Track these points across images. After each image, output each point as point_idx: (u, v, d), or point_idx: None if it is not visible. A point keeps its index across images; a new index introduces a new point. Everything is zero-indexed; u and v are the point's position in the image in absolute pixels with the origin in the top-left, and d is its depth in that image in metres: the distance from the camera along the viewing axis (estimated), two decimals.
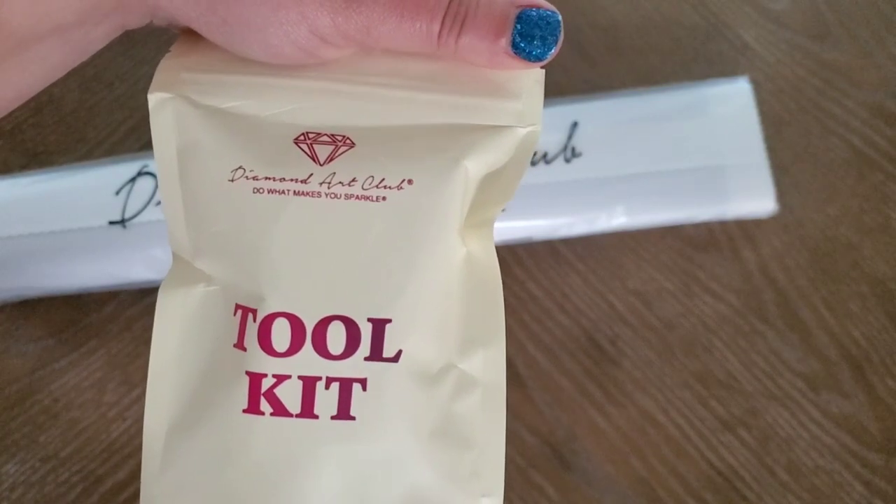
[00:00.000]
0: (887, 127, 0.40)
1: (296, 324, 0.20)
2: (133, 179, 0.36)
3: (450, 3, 0.19)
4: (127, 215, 0.35)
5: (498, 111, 0.20)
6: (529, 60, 0.20)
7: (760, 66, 0.41)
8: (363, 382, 0.20)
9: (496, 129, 0.20)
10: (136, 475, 0.35)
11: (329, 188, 0.20)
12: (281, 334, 0.20)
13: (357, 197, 0.20)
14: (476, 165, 0.20)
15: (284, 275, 0.20)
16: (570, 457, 0.36)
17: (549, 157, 0.35)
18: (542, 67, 0.21)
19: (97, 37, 0.21)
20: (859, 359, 0.37)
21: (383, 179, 0.20)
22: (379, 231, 0.20)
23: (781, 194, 0.37)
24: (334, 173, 0.20)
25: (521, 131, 0.20)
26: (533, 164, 0.35)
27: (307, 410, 0.20)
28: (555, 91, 0.40)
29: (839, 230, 0.38)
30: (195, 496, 0.21)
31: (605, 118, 0.36)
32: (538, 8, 0.20)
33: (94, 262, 0.35)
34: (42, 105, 0.41)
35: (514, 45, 0.19)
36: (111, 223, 0.35)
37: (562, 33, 0.20)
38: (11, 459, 0.35)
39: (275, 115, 0.21)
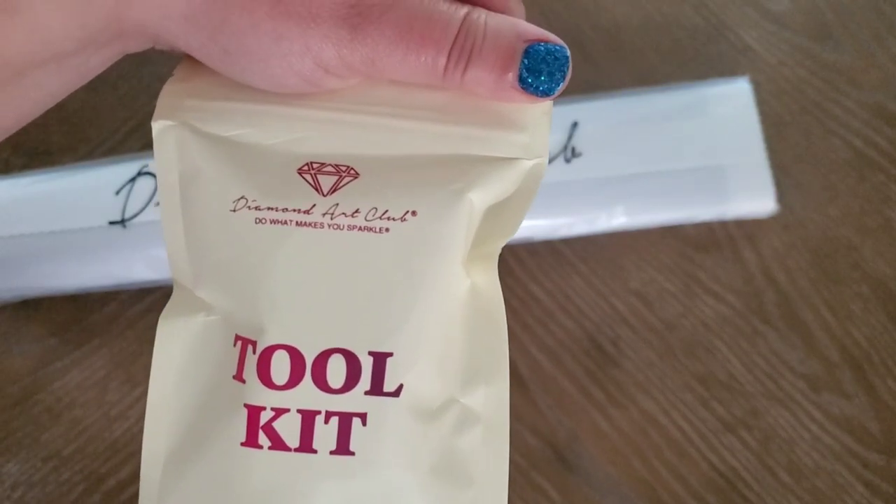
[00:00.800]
0: (888, 128, 0.40)
1: (295, 356, 0.19)
2: (133, 179, 0.36)
3: (456, 36, 0.19)
4: (127, 215, 0.35)
5: (504, 143, 0.20)
6: (537, 95, 0.19)
7: (761, 67, 0.41)
8: (363, 417, 0.20)
9: (502, 160, 0.20)
10: (138, 474, 0.35)
11: (332, 219, 0.20)
12: (280, 367, 0.20)
13: (360, 228, 0.20)
14: (481, 197, 0.20)
15: (285, 306, 0.20)
16: (571, 458, 0.36)
17: (549, 157, 0.35)
18: (547, 100, 0.20)
19: (97, 63, 0.21)
20: (860, 360, 0.37)
21: (387, 211, 0.20)
22: (381, 263, 0.20)
23: (782, 195, 0.37)
24: (337, 204, 0.20)
25: (528, 163, 0.20)
26: None
27: (306, 445, 0.19)
28: None
29: (840, 231, 0.38)
30: None
31: (605, 118, 0.36)
32: (546, 42, 0.19)
33: (95, 262, 0.35)
34: None
35: (522, 80, 0.19)
36: (111, 223, 0.35)
37: (570, 69, 0.20)
38: (13, 458, 0.35)
39: (278, 143, 0.21)
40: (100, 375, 0.37)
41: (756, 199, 0.36)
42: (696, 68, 0.40)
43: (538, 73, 0.19)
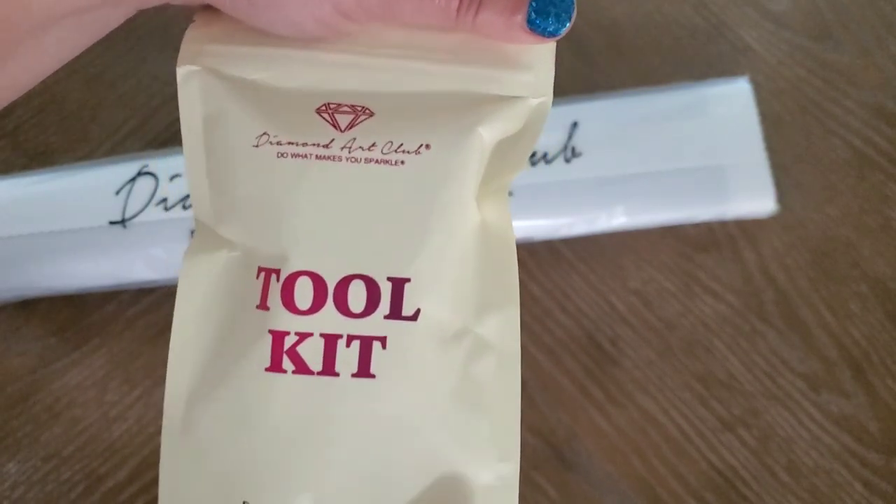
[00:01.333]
0: (888, 127, 0.40)
1: (318, 282, 0.20)
2: (133, 179, 0.36)
3: None
4: (127, 215, 0.35)
5: (511, 82, 0.21)
6: (544, 36, 0.20)
7: (761, 67, 0.41)
8: (383, 341, 0.20)
9: (510, 99, 0.21)
10: (137, 474, 0.35)
11: (350, 153, 0.20)
12: (304, 292, 0.20)
13: (377, 161, 0.20)
14: (490, 133, 0.21)
15: (307, 235, 0.20)
16: (570, 457, 0.36)
17: (549, 156, 0.35)
18: (554, 40, 0.21)
19: (114, 18, 0.21)
20: (859, 359, 0.37)
21: (402, 144, 0.20)
22: (398, 193, 0.20)
23: (782, 194, 0.37)
24: (355, 139, 0.20)
25: (533, 101, 0.21)
26: (533, 163, 0.35)
27: (328, 368, 0.20)
28: (555, 91, 0.40)
29: (839, 230, 0.38)
30: (215, 457, 0.21)
31: (605, 118, 0.36)
32: None
33: (95, 262, 0.35)
34: (45, 104, 0.41)
35: (530, 22, 0.20)
36: (111, 223, 0.35)
37: (575, 9, 0.20)
38: (13, 458, 0.35)
39: (297, 85, 0.21)
40: (99, 375, 0.37)
41: (756, 199, 0.36)
42: (695, 68, 0.41)
43: (546, 14, 0.20)
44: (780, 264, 0.38)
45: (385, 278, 0.20)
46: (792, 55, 0.41)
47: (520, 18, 0.20)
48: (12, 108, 0.41)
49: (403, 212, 0.20)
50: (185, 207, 0.35)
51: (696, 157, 0.35)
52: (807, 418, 0.36)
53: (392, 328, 0.20)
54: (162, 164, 0.36)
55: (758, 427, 0.36)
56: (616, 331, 0.37)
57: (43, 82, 0.40)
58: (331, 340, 0.20)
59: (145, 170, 0.36)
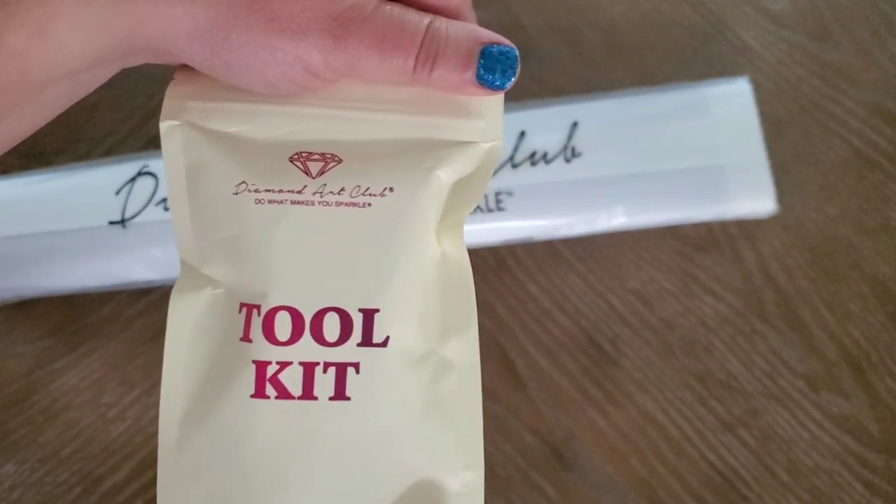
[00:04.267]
0: (887, 127, 0.40)
1: (296, 315, 0.22)
2: (133, 179, 0.36)
3: (422, 42, 0.22)
4: (127, 215, 0.35)
5: (465, 129, 0.24)
6: (492, 89, 0.23)
7: (760, 66, 0.41)
8: (356, 366, 0.22)
9: (464, 144, 0.23)
10: (135, 475, 0.35)
11: (321, 197, 0.23)
12: (283, 325, 0.22)
13: (346, 204, 0.23)
14: (447, 175, 0.23)
15: (285, 273, 0.23)
16: (569, 457, 0.36)
17: (549, 157, 0.35)
18: (500, 93, 0.24)
19: (102, 76, 0.24)
20: (859, 359, 0.37)
21: (368, 188, 0.23)
22: (366, 233, 0.23)
23: (781, 194, 0.37)
24: (325, 184, 0.23)
25: (485, 146, 0.24)
26: (533, 164, 0.35)
27: (308, 393, 0.22)
28: (555, 91, 0.40)
29: (839, 230, 0.38)
30: (210, 477, 0.23)
31: (604, 118, 0.36)
32: (499, 44, 0.23)
33: (94, 262, 0.35)
34: None
35: (479, 77, 0.23)
36: (111, 223, 0.35)
37: (519, 66, 0.23)
38: (10, 460, 0.35)
39: (271, 136, 0.24)
40: (96, 377, 0.36)
41: (755, 199, 0.36)
42: (695, 68, 0.40)
43: (493, 70, 0.22)
44: (780, 264, 0.38)
45: (357, 310, 0.22)
46: (791, 55, 0.41)
47: (469, 74, 0.22)
48: None
49: (371, 249, 0.23)
50: None
51: (695, 157, 0.35)
52: (807, 418, 0.36)
53: (364, 354, 0.22)
54: (162, 165, 0.36)
55: (757, 427, 0.36)
56: (615, 331, 0.37)
57: None
58: (309, 368, 0.22)
59: (145, 170, 0.36)
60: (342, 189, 0.23)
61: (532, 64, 0.41)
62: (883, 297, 0.37)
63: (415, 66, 0.22)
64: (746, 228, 0.38)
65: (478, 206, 0.35)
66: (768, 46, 0.41)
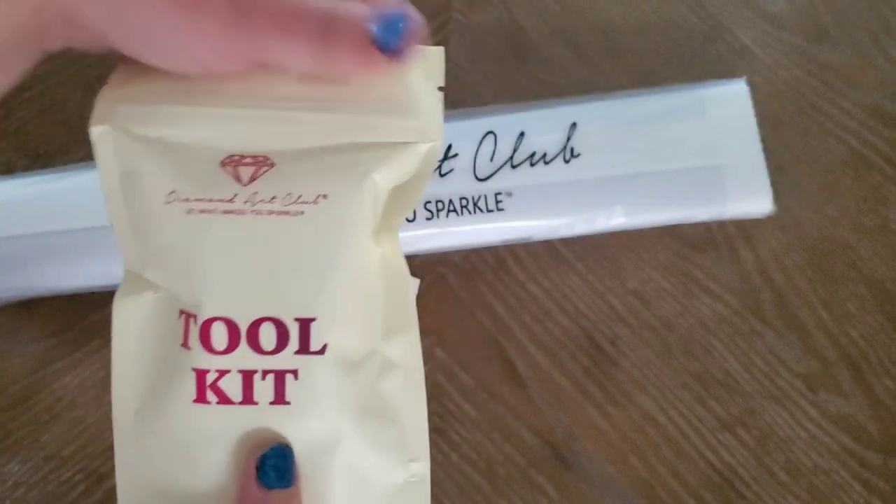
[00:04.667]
0: (885, 128, 0.40)
1: (231, 326, 0.22)
2: None
3: (320, 21, 0.22)
4: None
5: (402, 129, 0.23)
6: (395, 55, 0.22)
7: (758, 68, 0.41)
8: (295, 373, 0.22)
9: (401, 145, 0.23)
10: None
11: (253, 206, 0.22)
12: (219, 335, 0.22)
13: (278, 213, 0.22)
14: (384, 178, 0.23)
15: (218, 284, 0.23)
16: (569, 456, 0.36)
17: (548, 157, 0.35)
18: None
19: (20, 63, 0.23)
20: (857, 359, 0.37)
21: (300, 196, 0.22)
22: (299, 242, 0.22)
23: (779, 195, 0.37)
24: (256, 192, 0.22)
25: (424, 147, 0.23)
26: (532, 164, 0.36)
27: (248, 398, 0.22)
28: (554, 92, 0.40)
29: (837, 231, 0.39)
30: (161, 475, 0.23)
31: (603, 119, 0.36)
32: (395, 10, 0.22)
33: (96, 262, 0.35)
34: (46, 107, 0.41)
35: (378, 43, 0.22)
36: None
37: (415, 28, 0.22)
38: (14, 458, 0.35)
39: (202, 140, 0.23)
40: (100, 375, 0.37)
41: (753, 200, 0.36)
42: (693, 69, 0.41)
43: (388, 34, 0.22)
44: (778, 264, 0.38)
45: (293, 319, 0.22)
46: (789, 56, 0.41)
47: (368, 45, 0.22)
48: (15, 109, 0.41)
49: (305, 258, 0.22)
50: None
51: (693, 157, 0.36)
52: (805, 418, 0.36)
53: (302, 362, 0.22)
54: None
55: (756, 427, 0.36)
56: (615, 331, 0.37)
57: (44, 85, 0.41)
58: (248, 375, 0.22)
59: None
60: (274, 197, 0.22)
61: (531, 65, 0.41)
62: (881, 298, 0.38)
63: (317, 48, 0.22)
64: (744, 229, 0.38)
65: (477, 207, 0.35)
66: (766, 48, 0.41)
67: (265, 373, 0.22)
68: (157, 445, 0.23)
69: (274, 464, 0.22)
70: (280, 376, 0.22)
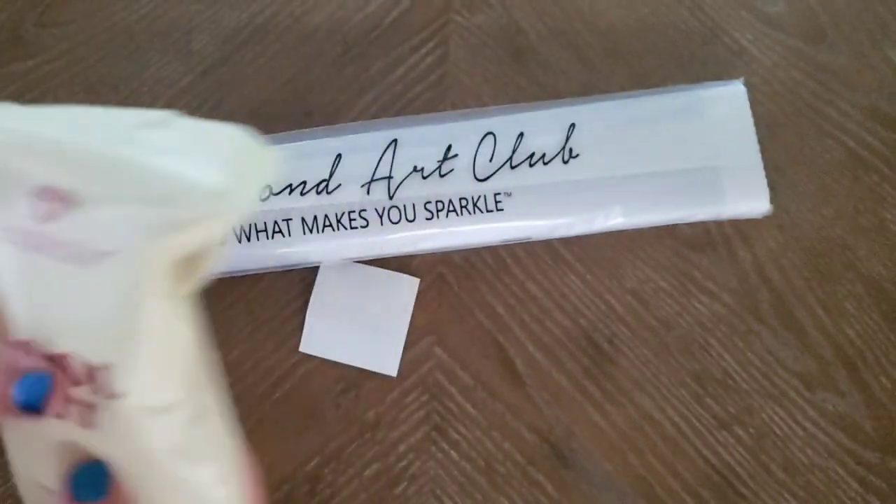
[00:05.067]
0: (882, 129, 0.40)
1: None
2: None
3: None
4: None
5: (204, 202, 0.22)
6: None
7: (756, 69, 0.41)
8: (96, 407, 0.23)
9: (201, 216, 0.22)
10: None
11: (44, 246, 0.22)
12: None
13: (70, 258, 0.22)
14: (175, 248, 0.22)
15: (20, 313, 0.22)
16: (568, 454, 0.36)
17: (547, 158, 0.36)
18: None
19: None
20: (854, 358, 0.37)
21: (97, 246, 0.22)
22: (90, 292, 0.22)
23: (777, 195, 0.38)
24: (54, 231, 0.22)
25: (225, 219, 0.22)
26: (531, 165, 0.36)
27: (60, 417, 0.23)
28: (553, 93, 0.41)
29: (834, 231, 0.39)
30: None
31: (602, 120, 0.36)
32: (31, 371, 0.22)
33: None
34: None
35: (15, 402, 0.22)
36: None
37: (55, 387, 0.22)
38: None
39: (9, 167, 0.23)
40: None
41: (751, 200, 0.36)
42: (691, 70, 0.41)
43: (26, 394, 0.22)
44: (776, 264, 0.38)
45: (89, 361, 0.22)
46: (787, 57, 0.41)
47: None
48: None
49: (98, 308, 0.22)
50: None
51: (691, 158, 0.36)
52: (802, 417, 0.36)
53: (103, 402, 0.22)
54: None
55: (753, 425, 0.36)
56: (613, 330, 0.38)
57: (46, 85, 0.41)
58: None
59: None
60: (71, 242, 0.22)
61: (531, 67, 0.41)
62: (878, 297, 0.38)
63: None
64: (742, 229, 0.39)
65: (477, 207, 0.36)
66: (764, 49, 0.42)
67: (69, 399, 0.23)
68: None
69: (85, 480, 0.23)
70: (85, 405, 0.23)
